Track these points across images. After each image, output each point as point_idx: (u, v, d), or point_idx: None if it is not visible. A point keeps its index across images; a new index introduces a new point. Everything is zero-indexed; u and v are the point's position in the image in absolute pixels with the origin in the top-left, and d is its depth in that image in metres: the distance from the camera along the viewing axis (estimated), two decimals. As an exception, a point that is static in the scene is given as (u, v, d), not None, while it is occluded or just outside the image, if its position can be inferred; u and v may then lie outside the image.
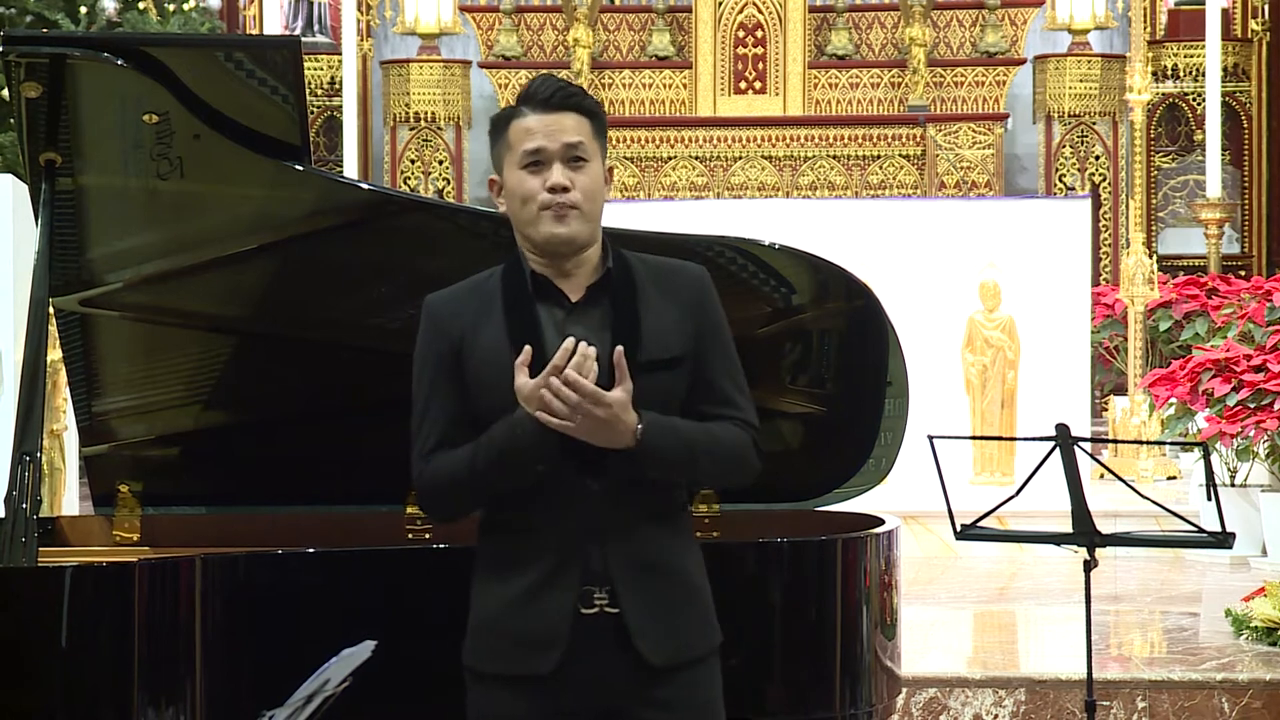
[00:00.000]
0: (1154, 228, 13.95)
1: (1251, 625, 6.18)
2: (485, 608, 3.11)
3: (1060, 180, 13.59)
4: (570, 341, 2.97)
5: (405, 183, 13.71)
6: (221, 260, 3.95)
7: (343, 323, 4.07)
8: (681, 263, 3.20)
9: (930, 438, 4.80)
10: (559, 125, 3.06)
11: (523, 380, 2.98)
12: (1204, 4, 12.03)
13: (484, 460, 3.03)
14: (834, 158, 13.60)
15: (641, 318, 3.08)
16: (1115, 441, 10.27)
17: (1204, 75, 12.23)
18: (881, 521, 4.10)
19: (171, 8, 12.03)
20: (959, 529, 4.87)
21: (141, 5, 11.82)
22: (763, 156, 13.64)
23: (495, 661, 3.09)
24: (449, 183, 13.77)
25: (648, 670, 3.04)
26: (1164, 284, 11.11)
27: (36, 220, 3.79)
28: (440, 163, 13.82)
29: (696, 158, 13.69)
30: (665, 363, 3.07)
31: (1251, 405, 7.93)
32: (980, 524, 4.84)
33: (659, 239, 3.93)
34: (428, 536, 3.91)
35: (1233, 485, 8.41)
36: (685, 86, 13.87)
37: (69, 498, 6.63)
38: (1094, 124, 13.55)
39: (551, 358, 2.97)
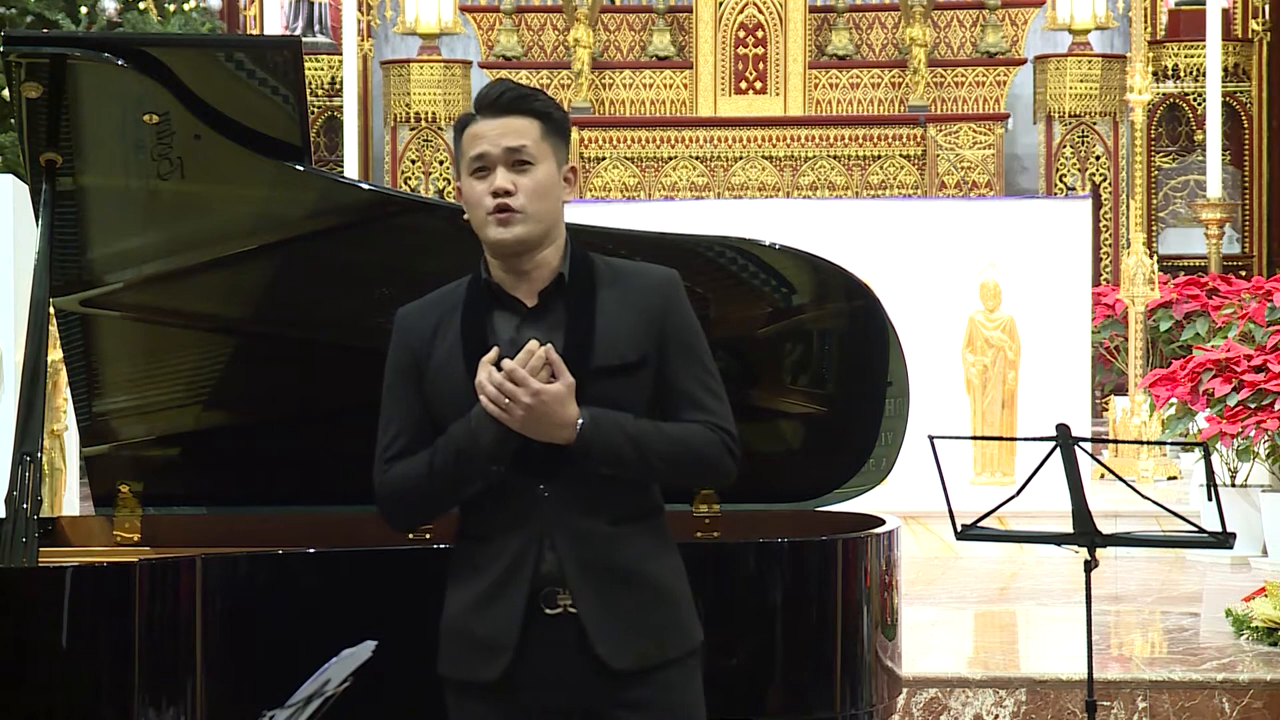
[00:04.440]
0: (1154, 228, 13.95)
1: (1252, 625, 6.17)
2: (447, 614, 3.14)
3: (1061, 180, 13.59)
4: (533, 344, 2.99)
5: (405, 183, 13.70)
6: (222, 260, 3.95)
7: (343, 323, 4.06)
8: (649, 266, 3.17)
9: (931, 438, 4.80)
10: (504, 129, 3.06)
11: (480, 376, 2.99)
12: (1204, 4, 12.03)
13: (441, 460, 3.05)
14: (834, 158, 13.59)
15: (596, 323, 3.06)
16: (1116, 442, 10.27)
17: (1204, 75, 12.23)
18: (882, 521, 4.10)
19: (172, 8, 12.03)
20: (959, 529, 4.87)
21: (142, 5, 11.82)
22: (763, 157, 13.64)
23: (455, 667, 3.11)
24: (449, 183, 13.76)
25: (610, 674, 3.03)
26: (1164, 284, 11.12)
27: (37, 220, 3.79)
28: (440, 163, 13.82)
29: (697, 158, 13.69)
30: (619, 369, 3.05)
31: (1252, 405, 7.93)
32: (981, 524, 4.84)
33: (657, 239, 3.93)
34: (428, 537, 3.91)
35: (1233, 485, 8.41)
36: (685, 86, 13.86)
37: (69, 498, 6.63)
38: (1094, 124, 13.55)
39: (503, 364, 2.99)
